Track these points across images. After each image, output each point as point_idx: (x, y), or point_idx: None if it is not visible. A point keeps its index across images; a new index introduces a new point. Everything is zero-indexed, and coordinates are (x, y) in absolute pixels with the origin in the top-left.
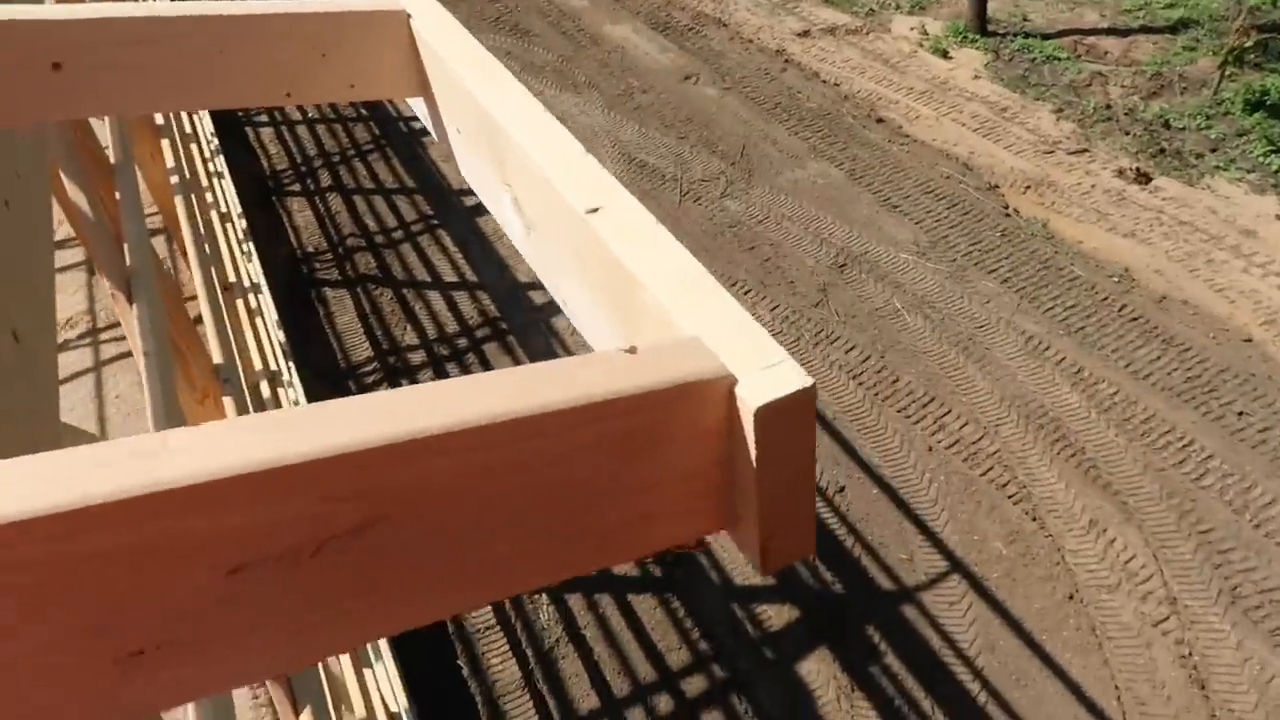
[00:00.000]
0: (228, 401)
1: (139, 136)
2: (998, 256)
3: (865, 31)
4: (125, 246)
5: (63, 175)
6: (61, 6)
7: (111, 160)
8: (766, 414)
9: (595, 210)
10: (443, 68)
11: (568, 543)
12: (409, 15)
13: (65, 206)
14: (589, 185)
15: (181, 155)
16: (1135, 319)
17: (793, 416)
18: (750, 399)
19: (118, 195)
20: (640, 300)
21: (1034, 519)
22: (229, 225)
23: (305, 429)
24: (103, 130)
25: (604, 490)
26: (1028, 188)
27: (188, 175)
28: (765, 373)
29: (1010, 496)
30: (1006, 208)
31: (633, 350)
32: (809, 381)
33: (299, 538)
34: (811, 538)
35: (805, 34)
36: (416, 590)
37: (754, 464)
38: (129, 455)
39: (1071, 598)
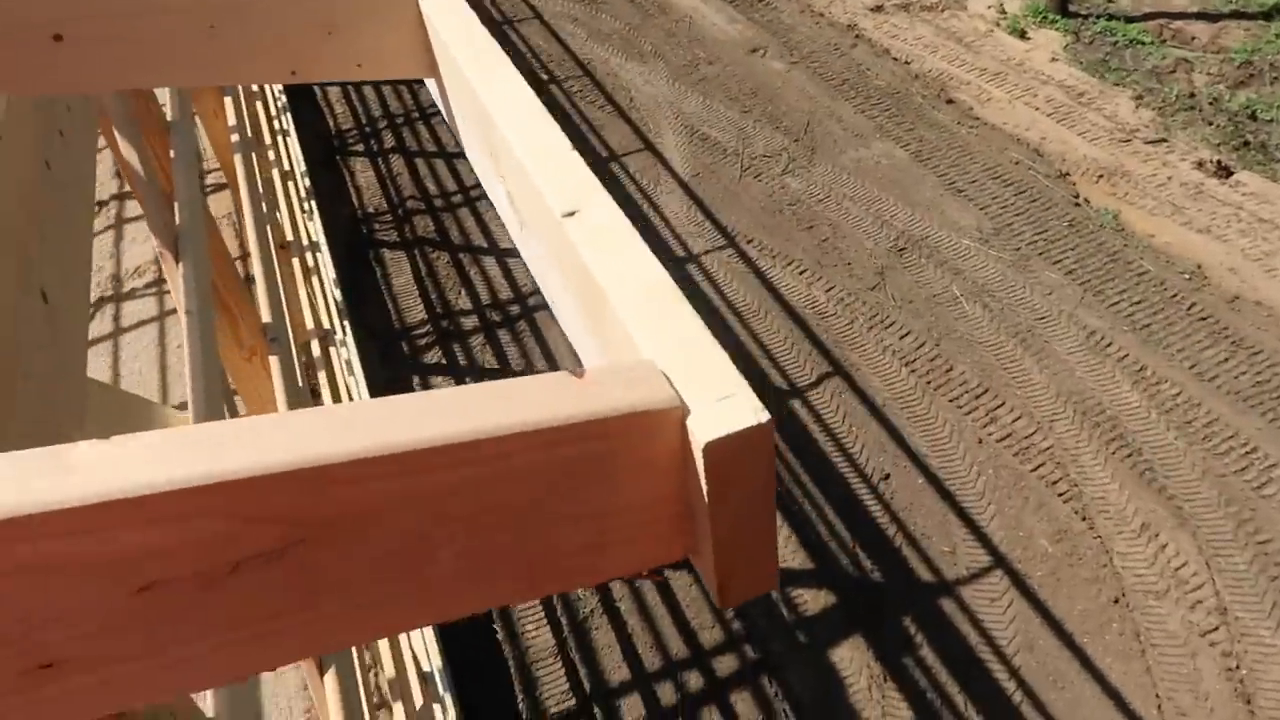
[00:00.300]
0: (274, 360)
1: (201, 93)
2: (1064, 247)
3: (940, 8)
4: (175, 205)
5: (116, 133)
6: None
7: (169, 117)
8: (717, 450)
9: (572, 214)
10: (446, 52)
11: (511, 568)
12: None
13: (120, 163)
14: (570, 186)
15: (245, 112)
16: (1204, 318)
17: (747, 452)
18: (700, 433)
19: (172, 153)
20: (608, 311)
21: (1083, 519)
22: (290, 183)
23: (217, 449)
24: (163, 89)
25: (548, 517)
26: (1100, 177)
27: (249, 133)
28: (720, 405)
29: (1060, 494)
30: (1076, 197)
31: (580, 374)
32: (764, 417)
33: (212, 557)
34: (773, 574)
35: (878, 9)
36: (349, 610)
37: (705, 500)
38: (28, 471)
39: (1117, 601)
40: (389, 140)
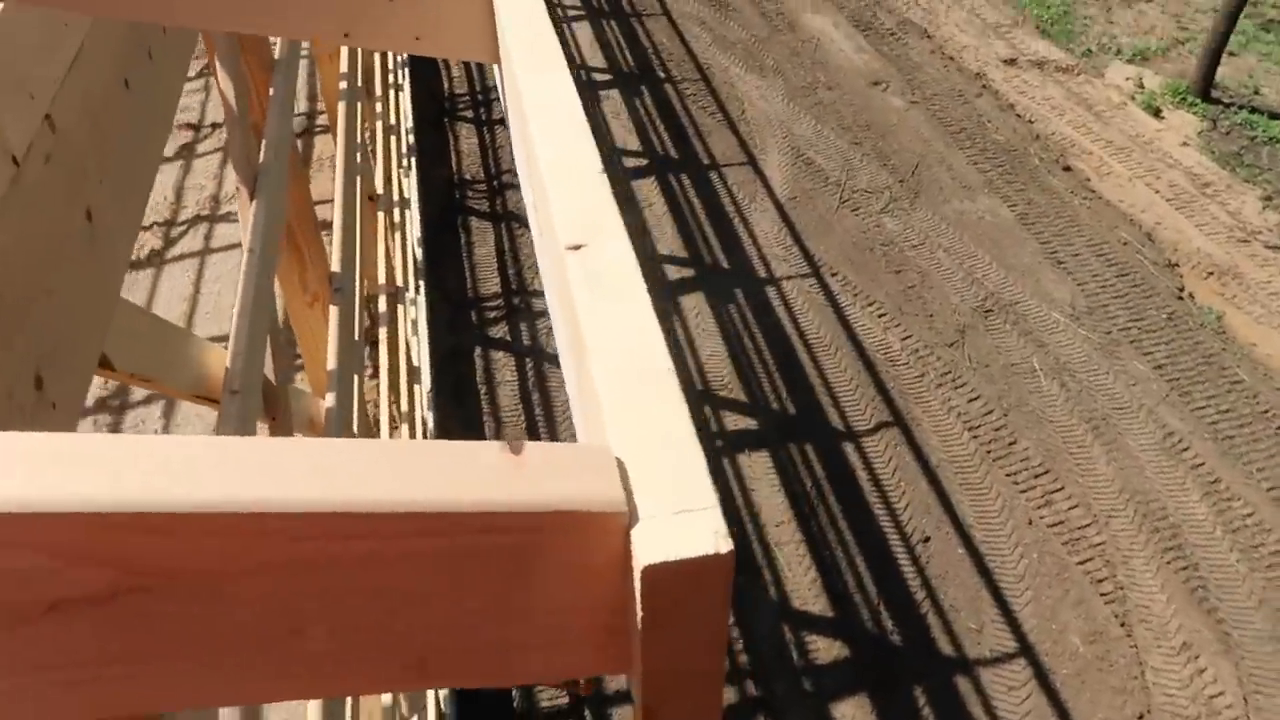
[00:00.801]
0: (334, 310)
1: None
2: (1158, 339)
3: (1076, 72)
4: (263, 142)
5: (218, 63)
6: None
7: (276, 56)
8: (659, 575)
9: (578, 248)
10: (505, 38)
11: (400, 656)
12: None
13: (220, 93)
14: (586, 213)
15: (359, 62)
16: None
17: (696, 584)
18: (643, 551)
19: (271, 90)
20: (586, 373)
21: (1123, 624)
22: (394, 138)
23: (59, 472)
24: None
25: (450, 609)
26: (1211, 274)
27: (360, 82)
28: (676, 520)
29: (1104, 594)
30: (1181, 290)
31: (518, 449)
32: (725, 546)
33: (23, 593)
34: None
35: (1011, 62)
36: (196, 670)
37: (639, 625)
38: None
39: (1141, 718)
40: (497, 111)
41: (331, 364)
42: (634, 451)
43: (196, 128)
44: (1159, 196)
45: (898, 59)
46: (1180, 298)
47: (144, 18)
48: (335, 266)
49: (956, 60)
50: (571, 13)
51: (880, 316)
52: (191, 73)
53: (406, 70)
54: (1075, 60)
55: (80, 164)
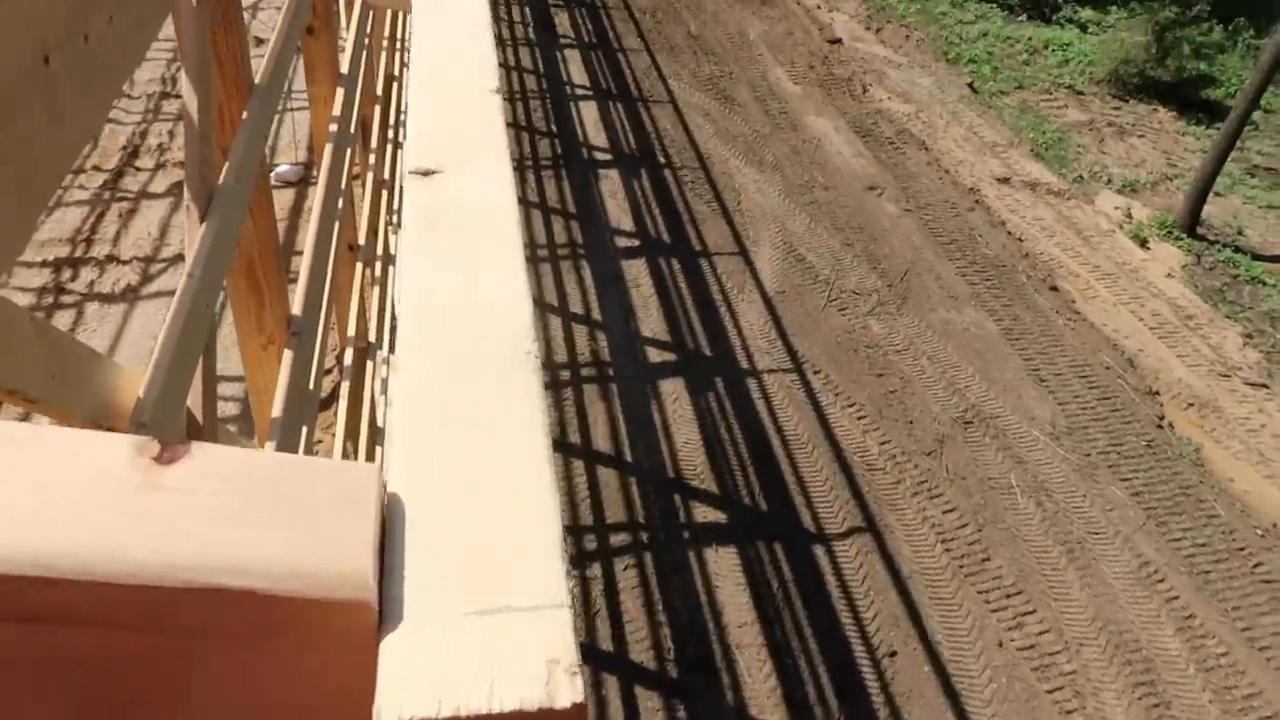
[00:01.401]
0: (288, 355)
1: (316, 76)
2: (1136, 466)
3: (1067, 196)
4: (226, 165)
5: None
6: None
7: (256, 81)
8: None
9: (427, 174)
10: None
11: None
12: None
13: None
14: (453, 135)
15: (354, 106)
16: (1270, 582)
17: None
18: (391, 691)
19: (245, 114)
20: (399, 335)
21: None
22: (385, 192)
23: None
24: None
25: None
26: (1190, 405)
27: (351, 127)
28: (472, 627)
29: None
30: (1161, 419)
31: (170, 457)
32: (567, 695)
33: None
34: None
35: (1005, 180)
36: None
37: None
38: None
39: None
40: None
41: (277, 411)
42: (427, 488)
43: None
44: (1143, 324)
45: (895, 167)
46: (1160, 426)
47: None
48: (296, 310)
49: (952, 174)
50: (580, 92)
51: (860, 419)
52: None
53: (404, 203)
54: (1067, 185)
55: None
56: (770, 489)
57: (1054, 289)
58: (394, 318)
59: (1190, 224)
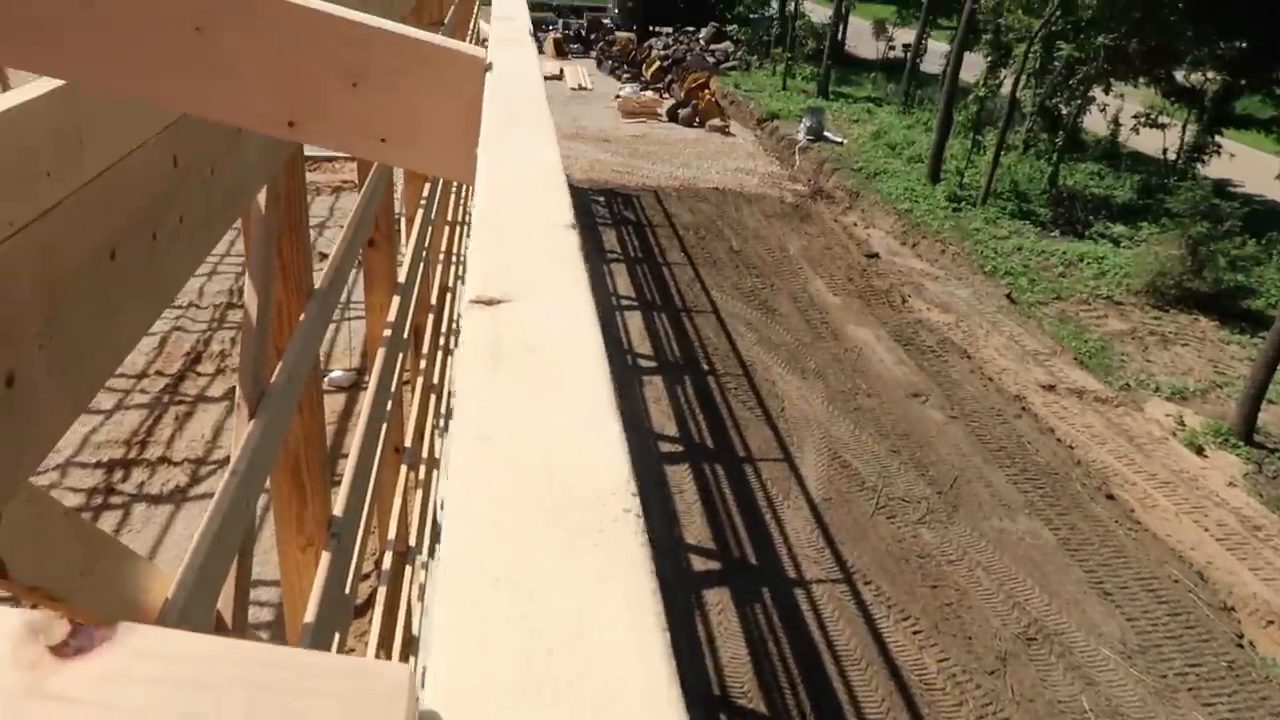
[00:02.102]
0: (326, 558)
1: (374, 284)
2: (1219, 690)
3: (1115, 404)
4: (280, 364)
5: (247, 279)
6: None
7: (315, 284)
8: None
9: (491, 303)
10: (489, 149)
11: None
12: (487, 66)
13: (244, 306)
14: (519, 266)
15: (409, 314)
16: None
17: None
18: None
19: (302, 316)
20: (446, 509)
21: None
22: (434, 396)
23: None
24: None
25: None
26: (1271, 622)
27: (405, 333)
28: None
29: None
30: (1240, 637)
31: (65, 650)
32: None
33: None
34: None
35: (1050, 388)
36: None
37: None
38: None
39: None
40: None
41: (310, 616)
42: (477, 710)
43: None
44: (1208, 535)
45: (937, 374)
46: (1240, 645)
47: (29, 68)
48: (338, 511)
49: (995, 381)
50: (625, 303)
51: (916, 633)
52: None
53: (461, 336)
54: (1114, 393)
55: (13, 320)
56: (823, 709)
57: (1110, 497)
58: (435, 522)
59: (1246, 431)
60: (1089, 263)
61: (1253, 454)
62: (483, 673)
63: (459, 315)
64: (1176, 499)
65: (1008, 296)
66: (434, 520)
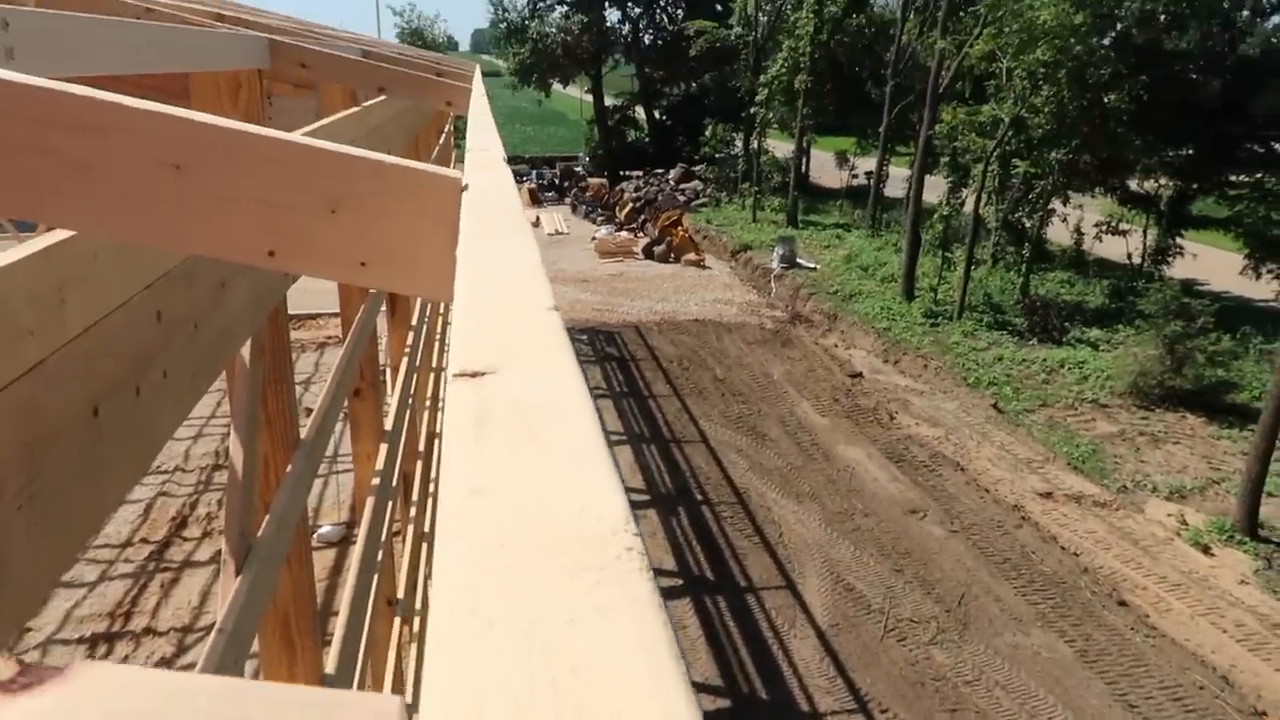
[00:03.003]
0: None
1: (361, 433)
2: None
3: (1115, 507)
4: (266, 517)
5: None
6: None
7: (301, 435)
8: None
9: (476, 375)
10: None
11: None
12: (464, 186)
13: (230, 459)
14: (506, 338)
15: (395, 461)
16: None
17: None
18: None
19: (290, 467)
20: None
21: None
22: (425, 545)
23: None
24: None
25: None
26: None
27: (394, 483)
28: None
29: None
30: None
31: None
32: None
33: None
34: None
35: (1047, 495)
36: None
37: None
38: None
39: None
40: None
41: None
42: None
43: None
44: (1228, 637)
45: (933, 489)
46: None
47: (9, 215)
48: (330, 668)
49: (992, 492)
50: (614, 438)
51: None
52: None
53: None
54: (1112, 495)
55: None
56: None
57: (1123, 604)
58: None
59: (1250, 527)
60: (1070, 368)
61: (1260, 549)
62: (481, 704)
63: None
64: (1190, 601)
65: (994, 406)
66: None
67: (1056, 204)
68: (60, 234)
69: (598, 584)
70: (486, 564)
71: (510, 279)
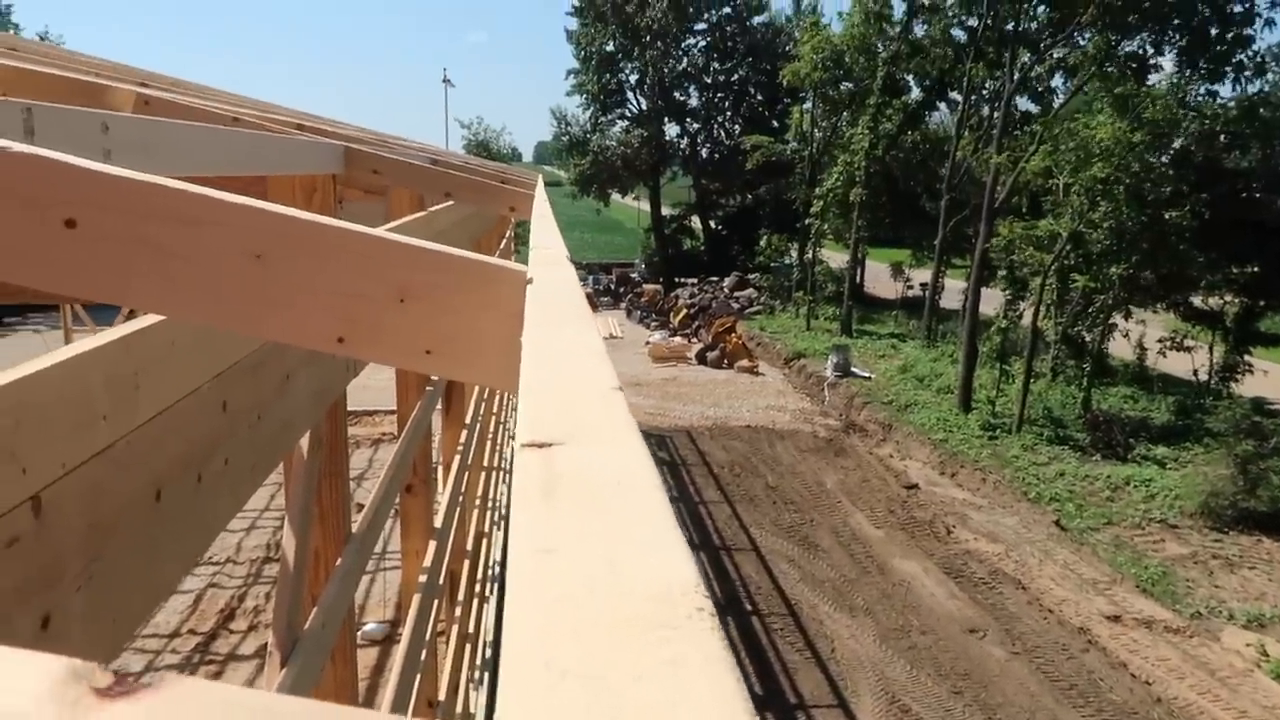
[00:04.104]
0: None
1: (410, 530)
2: None
3: (1189, 634)
4: (315, 609)
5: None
6: (88, 161)
7: (353, 529)
8: None
9: (543, 446)
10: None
11: None
12: (529, 280)
13: (282, 551)
14: (573, 412)
15: (444, 560)
16: None
17: None
18: None
19: (339, 561)
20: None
21: None
22: (469, 647)
23: None
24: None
25: None
26: None
27: (441, 580)
28: None
29: None
30: None
31: (117, 689)
32: None
33: None
34: None
35: (1116, 619)
36: None
37: None
38: None
39: None
40: None
41: None
42: None
43: None
44: None
45: (993, 607)
46: None
47: (101, 298)
48: None
49: (1056, 613)
50: None
51: None
52: None
53: (495, 584)
54: (1185, 622)
55: (55, 561)
56: None
57: None
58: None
59: None
60: (1136, 486)
61: None
62: None
63: (500, 519)
64: None
65: (1056, 523)
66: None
67: (1118, 319)
68: (139, 323)
69: (668, 641)
70: (557, 619)
71: (575, 362)
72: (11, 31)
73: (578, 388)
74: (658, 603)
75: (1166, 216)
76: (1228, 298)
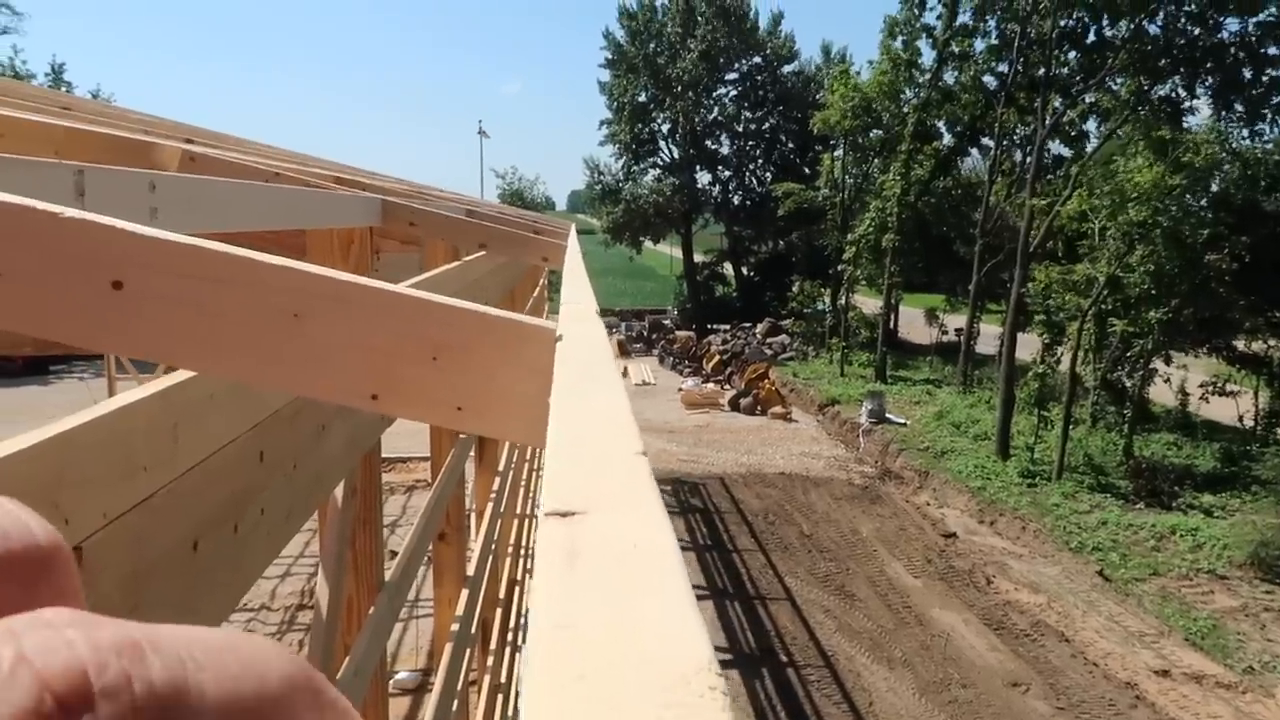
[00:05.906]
0: None
1: (443, 577)
2: None
3: (1241, 689)
4: (346, 659)
5: (320, 576)
6: (134, 225)
7: (386, 577)
8: None
9: (566, 515)
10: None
11: None
12: (559, 337)
13: (317, 601)
14: (596, 482)
15: (477, 607)
16: None
17: None
18: None
19: (371, 610)
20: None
21: None
22: (500, 696)
23: None
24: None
25: None
26: None
27: (473, 629)
28: None
29: None
30: None
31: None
32: None
33: None
34: None
35: (1164, 674)
36: None
37: None
38: None
39: None
40: None
41: None
42: None
43: None
44: None
45: (1036, 660)
46: None
47: (144, 356)
48: None
49: (1101, 666)
50: (697, 593)
51: None
52: None
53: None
54: (1237, 677)
55: (98, 611)
56: None
57: None
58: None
59: None
60: (1182, 535)
61: None
62: None
63: (531, 565)
64: None
65: (1100, 574)
66: None
67: (1158, 363)
68: (179, 375)
69: (680, 718)
70: (572, 692)
71: (601, 425)
72: (63, 89)
73: (602, 453)
74: (670, 681)
75: (1206, 259)
76: (1271, 341)
